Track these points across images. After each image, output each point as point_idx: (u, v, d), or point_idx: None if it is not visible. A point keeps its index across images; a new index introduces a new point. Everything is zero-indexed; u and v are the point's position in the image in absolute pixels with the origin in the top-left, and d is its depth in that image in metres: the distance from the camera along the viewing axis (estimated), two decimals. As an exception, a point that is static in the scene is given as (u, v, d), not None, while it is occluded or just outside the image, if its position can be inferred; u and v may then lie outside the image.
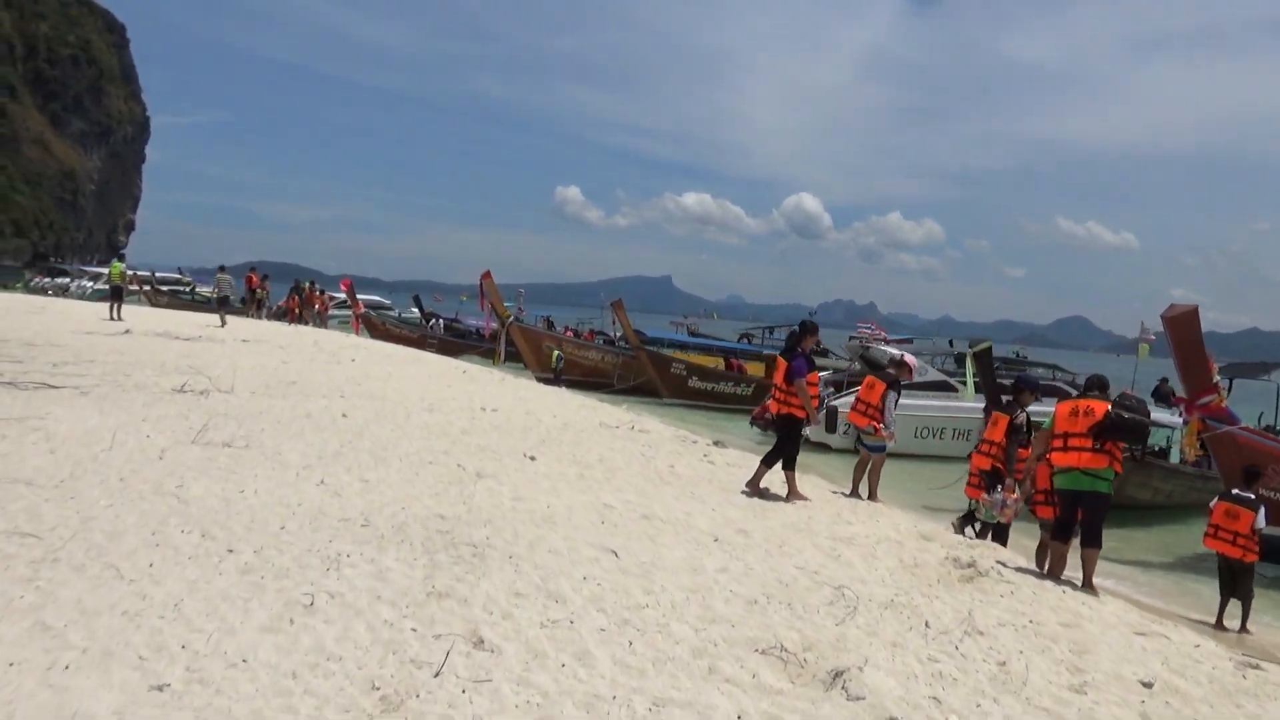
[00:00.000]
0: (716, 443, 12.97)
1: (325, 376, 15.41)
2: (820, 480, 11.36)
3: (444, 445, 9.62)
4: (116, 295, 26.81)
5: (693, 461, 10.72)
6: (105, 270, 64.47)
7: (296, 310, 29.30)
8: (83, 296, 53.30)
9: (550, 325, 39.27)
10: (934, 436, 21.19)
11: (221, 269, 31.31)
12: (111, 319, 25.43)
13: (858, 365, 23.75)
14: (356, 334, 37.74)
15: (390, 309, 60.61)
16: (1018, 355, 36.63)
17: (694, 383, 25.33)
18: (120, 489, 6.47)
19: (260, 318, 34.02)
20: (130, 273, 34.43)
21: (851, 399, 20.92)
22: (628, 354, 30.51)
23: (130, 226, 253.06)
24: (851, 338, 30.04)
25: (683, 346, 33.51)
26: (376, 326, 40.11)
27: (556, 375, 27.41)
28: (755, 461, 9.59)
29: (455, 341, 40.67)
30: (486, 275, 30.32)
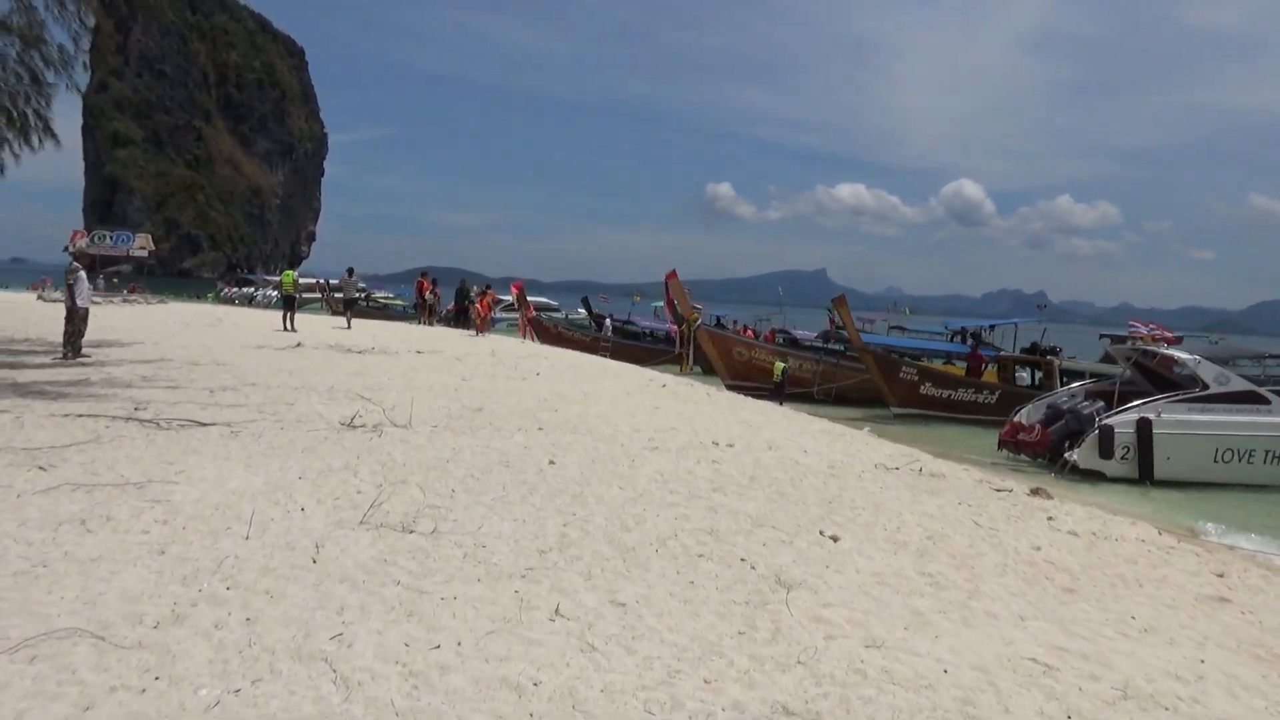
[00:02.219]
0: (1035, 491, 9.52)
1: (513, 399, 12.91)
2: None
3: (700, 516, 6.70)
4: (289, 305, 25.74)
5: (1043, 531, 7.36)
6: (281, 278, 66.75)
7: (481, 314, 27.63)
8: (267, 305, 54.72)
9: (720, 324, 36.21)
10: (1241, 460, 16.72)
11: (349, 272, 30.44)
12: (285, 329, 24.33)
13: (1128, 373, 19.41)
14: (525, 338, 36.07)
15: (557, 310, 59.36)
16: (1215, 344, 31.25)
17: (927, 389, 21.63)
18: (244, 647, 3.84)
19: (432, 324, 32.69)
20: (311, 280, 33.94)
21: (1135, 416, 16.87)
22: (828, 359, 27.09)
23: (311, 237, 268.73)
24: (1119, 338, 25.47)
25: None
26: (547, 330, 38.28)
27: (779, 389, 24.26)
28: (1108, 523, 6.24)
29: (629, 345, 38.35)
30: (672, 274, 27.62)
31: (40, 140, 13.62)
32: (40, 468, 6.79)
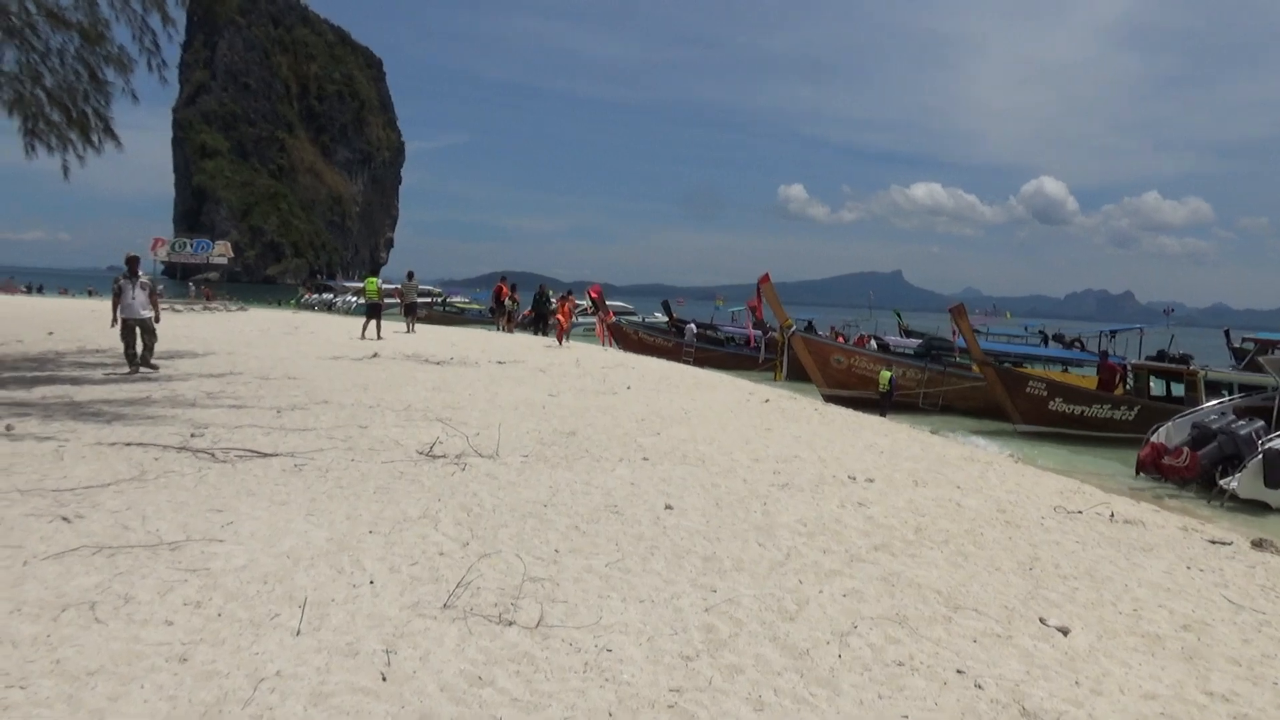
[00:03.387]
0: (1260, 544, 7.70)
1: (607, 418, 11.54)
2: None
3: (876, 593, 5.17)
4: (374, 313, 24.80)
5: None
6: (364, 285, 67.06)
7: (562, 322, 26.33)
8: (347, 311, 54.82)
9: (812, 329, 34.33)
10: None
11: (409, 275, 28.65)
12: (364, 338, 23.51)
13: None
14: (606, 345, 34.85)
15: (634, 314, 58.12)
16: None
17: (1057, 405, 19.58)
18: None
19: (512, 330, 31.69)
20: (392, 287, 33.01)
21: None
22: (933, 367, 25.15)
23: (389, 244, 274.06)
24: (1269, 343, 22.91)
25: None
26: (627, 336, 37.01)
27: (886, 399, 22.55)
28: None
29: (713, 351, 36.81)
30: (765, 279, 26.00)
31: (100, 140, 12.79)
32: (64, 518, 5.62)
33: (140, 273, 13.81)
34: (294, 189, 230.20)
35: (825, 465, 9.13)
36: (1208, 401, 20.49)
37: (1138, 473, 14.92)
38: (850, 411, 15.44)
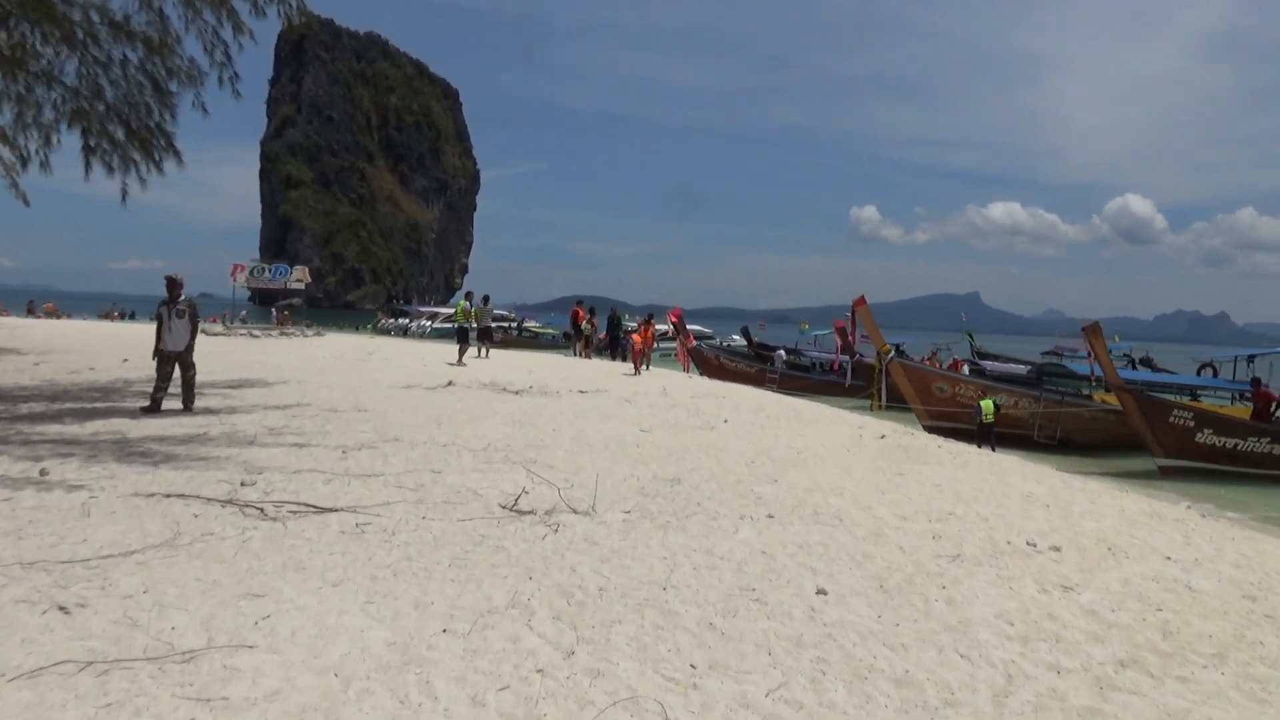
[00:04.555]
0: None
1: (711, 460, 10.07)
2: None
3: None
4: (462, 338, 23.73)
5: None
6: (441, 310, 66.90)
7: (644, 347, 24.75)
8: (422, 336, 54.58)
9: (901, 353, 32.19)
10: None
11: (485, 300, 25.72)
12: (461, 363, 22.61)
13: None
14: (685, 370, 33.42)
15: (712, 337, 56.60)
16: None
17: (1206, 438, 17.40)
18: None
19: (589, 356, 30.47)
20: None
21: None
22: (1051, 396, 23.02)
23: (464, 269, 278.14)
24: None
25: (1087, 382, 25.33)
26: (709, 361, 35.50)
27: (985, 431, 20.54)
28: None
29: (800, 377, 35.04)
30: (860, 301, 24.30)
31: (161, 158, 11.88)
32: (62, 607, 4.39)
33: (182, 296, 11.95)
34: (373, 217, 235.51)
35: (991, 526, 7.48)
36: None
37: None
38: (983, 450, 13.64)
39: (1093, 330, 18.44)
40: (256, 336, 34.22)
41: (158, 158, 12.03)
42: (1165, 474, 17.69)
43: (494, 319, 28.47)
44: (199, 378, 12.56)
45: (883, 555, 6.28)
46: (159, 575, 4.97)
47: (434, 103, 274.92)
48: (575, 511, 7.03)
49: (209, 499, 6.78)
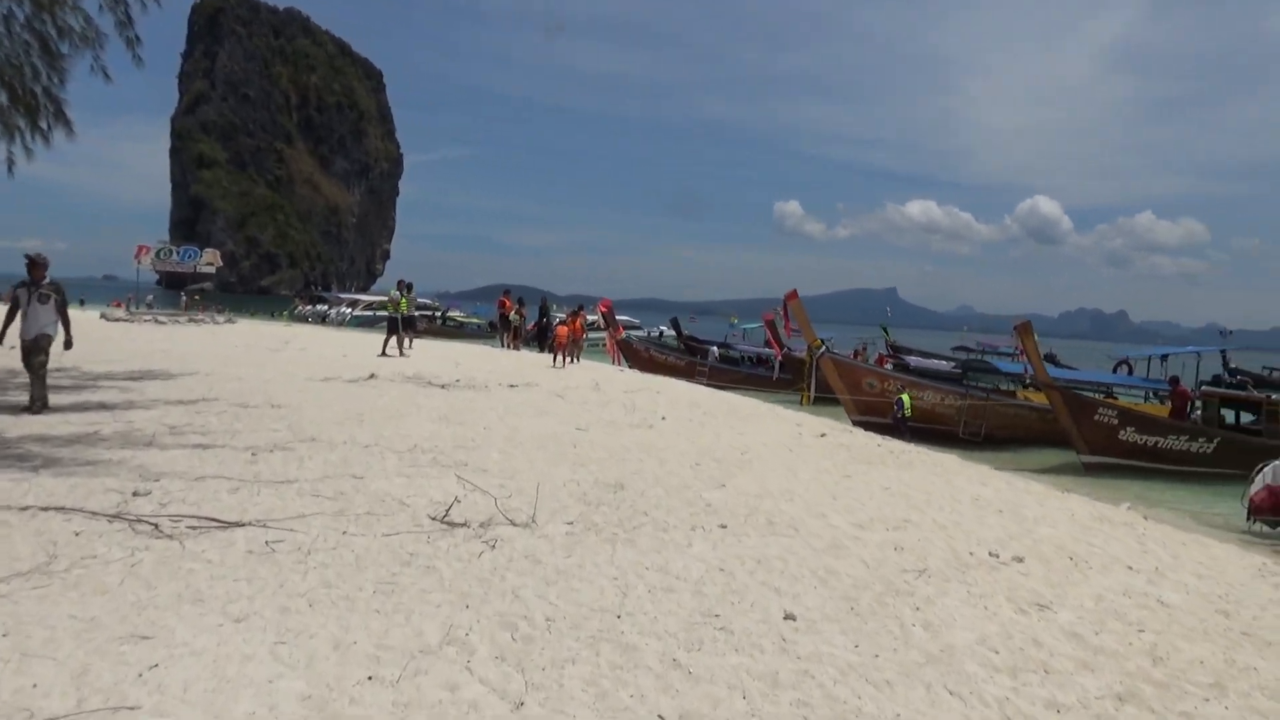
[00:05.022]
0: None
1: (654, 461, 9.56)
2: None
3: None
4: (393, 329, 22.76)
5: None
6: (361, 298, 64.92)
7: (575, 338, 24.09)
8: (342, 323, 52.82)
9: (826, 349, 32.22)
10: None
11: (407, 287, 23.66)
12: (385, 354, 21.71)
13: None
14: (614, 362, 32.96)
15: (639, 328, 56.11)
16: None
17: (1129, 435, 17.63)
18: None
19: (517, 347, 29.71)
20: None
21: None
22: (977, 393, 23.18)
23: (386, 255, 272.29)
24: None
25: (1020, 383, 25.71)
26: (638, 353, 35.02)
27: (901, 423, 20.70)
28: None
29: (728, 370, 34.85)
30: (793, 295, 24.07)
31: (50, 126, 10.76)
32: (-106, 660, 3.63)
33: (47, 279, 10.41)
34: (291, 199, 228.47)
35: (950, 535, 7.13)
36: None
37: (1252, 518, 12.97)
38: (922, 449, 13.45)
39: (1024, 328, 18.54)
40: (162, 323, 32.45)
41: (45, 126, 10.90)
42: (1089, 470, 17.89)
43: (418, 308, 27.37)
44: (95, 368, 11.50)
45: (847, 570, 5.85)
46: (25, 613, 4.21)
47: (356, 83, 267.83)
48: (514, 523, 6.43)
49: (94, 513, 5.97)
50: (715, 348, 36.74)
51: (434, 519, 6.44)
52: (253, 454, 8.42)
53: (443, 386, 15.59)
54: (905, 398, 21.82)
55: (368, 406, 12.35)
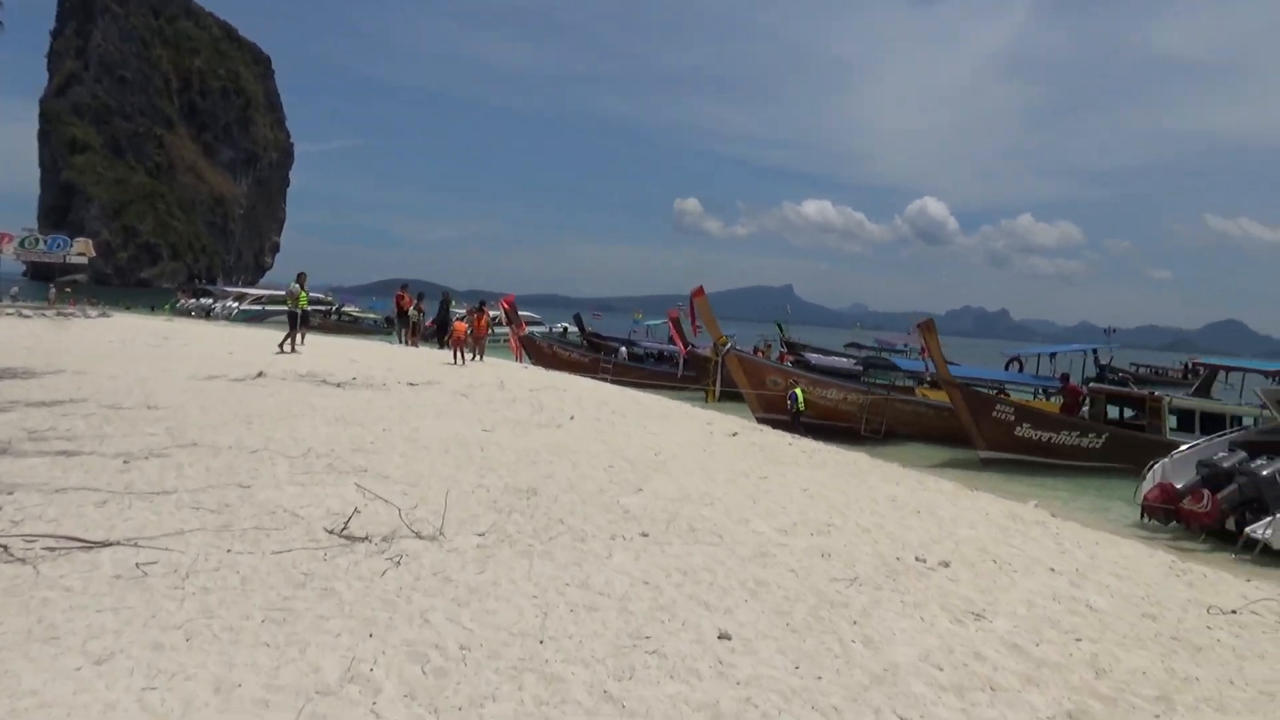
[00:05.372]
0: None
1: (566, 464, 9.15)
2: None
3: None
4: (293, 324, 21.67)
5: None
6: (249, 291, 62.00)
7: (477, 336, 23.32)
8: (229, 318, 50.39)
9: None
10: None
11: (301, 279, 22.90)
12: (286, 350, 20.62)
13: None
14: (517, 358, 32.35)
15: (541, 324, 55.35)
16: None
17: (1024, 431, 18.09)
18: None
19: (416, 344, 28.75)
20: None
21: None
22: (878, 390, 23.53)
23: (275, 248, 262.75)
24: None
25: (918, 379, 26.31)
26: (541, 350, 34.46)
27: (794, 417, 20.98)
28: None
29: (633, 367, 34.64)
30: (698, 292, 23.95)
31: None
32: None
33: None
34: (173, 188, 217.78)
35: (874, 539, 6.96)
36: (1169, 430, 19.50)
37: (1145, 516, 13.39)
38: (833, 448, 13.41)
39: (927, 326, 18.84)
40: (27, 316, 30.13)
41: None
42: (986, 464, 18.33)
43: (310, 302, 26.00)
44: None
45: (777, 581, 5.58)
46: None
47: (243, 68, 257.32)
48: (420, 536, 5.93)
49: (-69, 533, 5.20)
50: (624, 346, 36.52)
51: (331, 532, 5.88)
52: (124, 462, 7.63)
53: (338, 385, 14.78)
54: (799, 391, 22.09)
55: (256, 407, 11.53)
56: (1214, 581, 7.20)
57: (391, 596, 4.74)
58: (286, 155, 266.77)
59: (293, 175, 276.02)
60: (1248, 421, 19.77)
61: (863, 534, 7.10)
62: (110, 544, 5.25)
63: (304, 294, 22.15)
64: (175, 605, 4.38)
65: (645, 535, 6.47)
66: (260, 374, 15.48)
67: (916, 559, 6.43)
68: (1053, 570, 6.57)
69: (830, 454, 12.47)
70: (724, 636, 4.53)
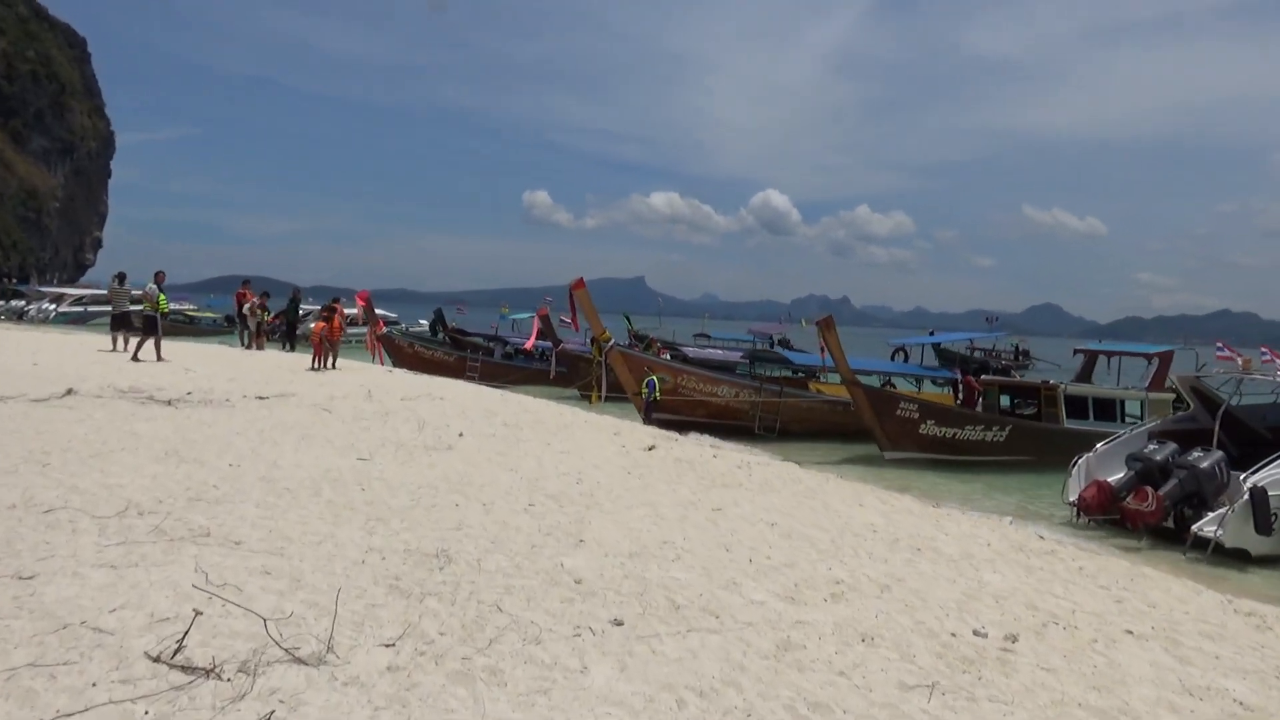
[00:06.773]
0: None
1: (478, 510, 7.21)
2: None
3: None
4: (150, 328, 18.59)
5: None
6: (68, 291, 55.55)
7: (331, 338, 20.57)
8: (44, 321, 44.85)
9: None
10: None
11: (120, 278, 21.36)
12: (135, 358, 17.62)
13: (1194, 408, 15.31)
14: (374, 357, 29.74)
15: (396, 322, 51.98)
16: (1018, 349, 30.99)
17: (929, 429, 17.28)
18: None
19: (262, 347, 25.68)
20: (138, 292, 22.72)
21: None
22: (771, 387, 22.41)
23: (97, 244, 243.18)
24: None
25: (800, 371, 25.53)
26: (404, 350, 31.80)
27: (651, 409, 19.97)
28: None
29: (501, 365, 32.52)
30: (579, 284, 22.12)
31: None
32: None
33: None
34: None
35: (905, 604, 5.40)
36: (1067, 418, 19.20)
37: (1080, 515, 12.62)
38: (753, 457, 11.94)
39: (826, 324, 17.92)
40: None
41: None
42: (891, 462, 17.53)
43: (133, 300, 22.20)
44: None
45: (834, 700, 3.91)
46: None
47: (55, 51, 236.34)
48: (298, 660, 3.92)
49: None
50: (504, 345, 34.38)
51: (158, 660, 3.82)
52: None
53: (169, 403, 12.19)
54: (656, 379, 20.94)
55: (58, 439, 8.96)
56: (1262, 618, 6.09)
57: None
58: (107, 145, 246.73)
59: (116, 166, 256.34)
60: (1132, 406, 19.75)
61: (884, 594, 5.55)
62: None
63: (163, 296, 19.19)
64: None
65: (619, 624, 4.69)
66: (69, 391, 12.64)
67: (975, 633, 4.92)
68: (1132, 634, 5.21)
69: (761, 468, 10.99)
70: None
